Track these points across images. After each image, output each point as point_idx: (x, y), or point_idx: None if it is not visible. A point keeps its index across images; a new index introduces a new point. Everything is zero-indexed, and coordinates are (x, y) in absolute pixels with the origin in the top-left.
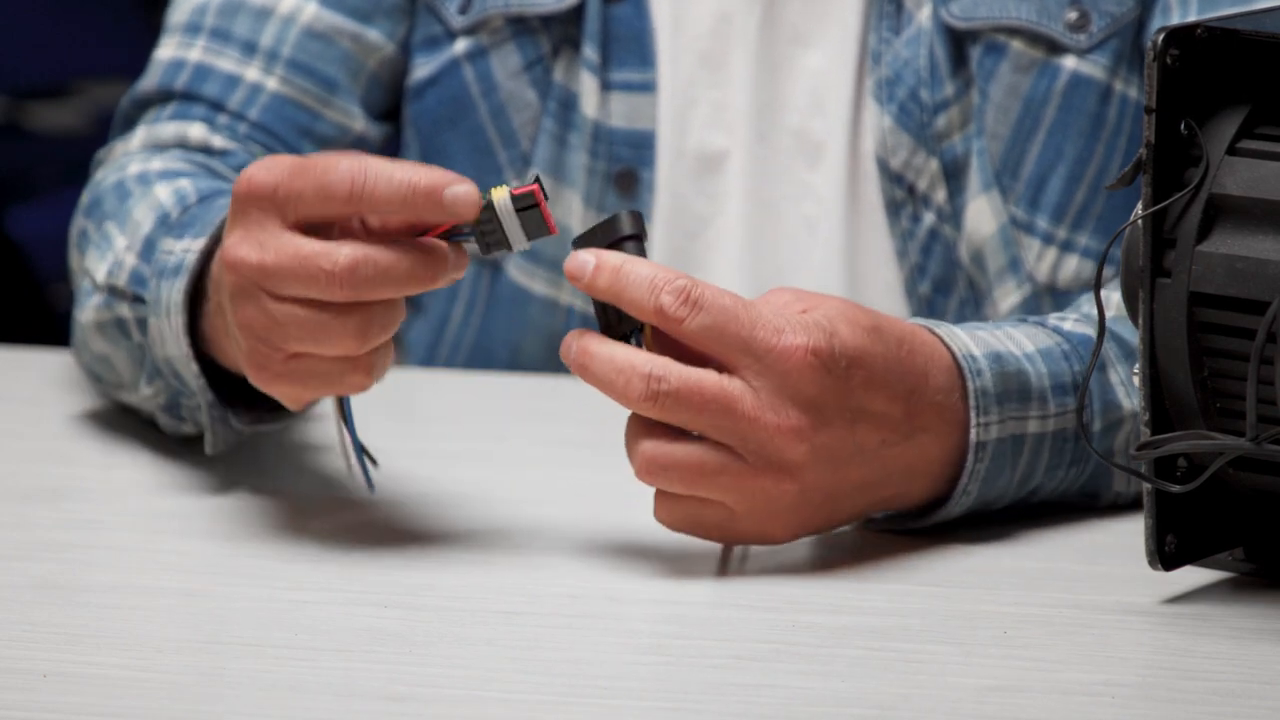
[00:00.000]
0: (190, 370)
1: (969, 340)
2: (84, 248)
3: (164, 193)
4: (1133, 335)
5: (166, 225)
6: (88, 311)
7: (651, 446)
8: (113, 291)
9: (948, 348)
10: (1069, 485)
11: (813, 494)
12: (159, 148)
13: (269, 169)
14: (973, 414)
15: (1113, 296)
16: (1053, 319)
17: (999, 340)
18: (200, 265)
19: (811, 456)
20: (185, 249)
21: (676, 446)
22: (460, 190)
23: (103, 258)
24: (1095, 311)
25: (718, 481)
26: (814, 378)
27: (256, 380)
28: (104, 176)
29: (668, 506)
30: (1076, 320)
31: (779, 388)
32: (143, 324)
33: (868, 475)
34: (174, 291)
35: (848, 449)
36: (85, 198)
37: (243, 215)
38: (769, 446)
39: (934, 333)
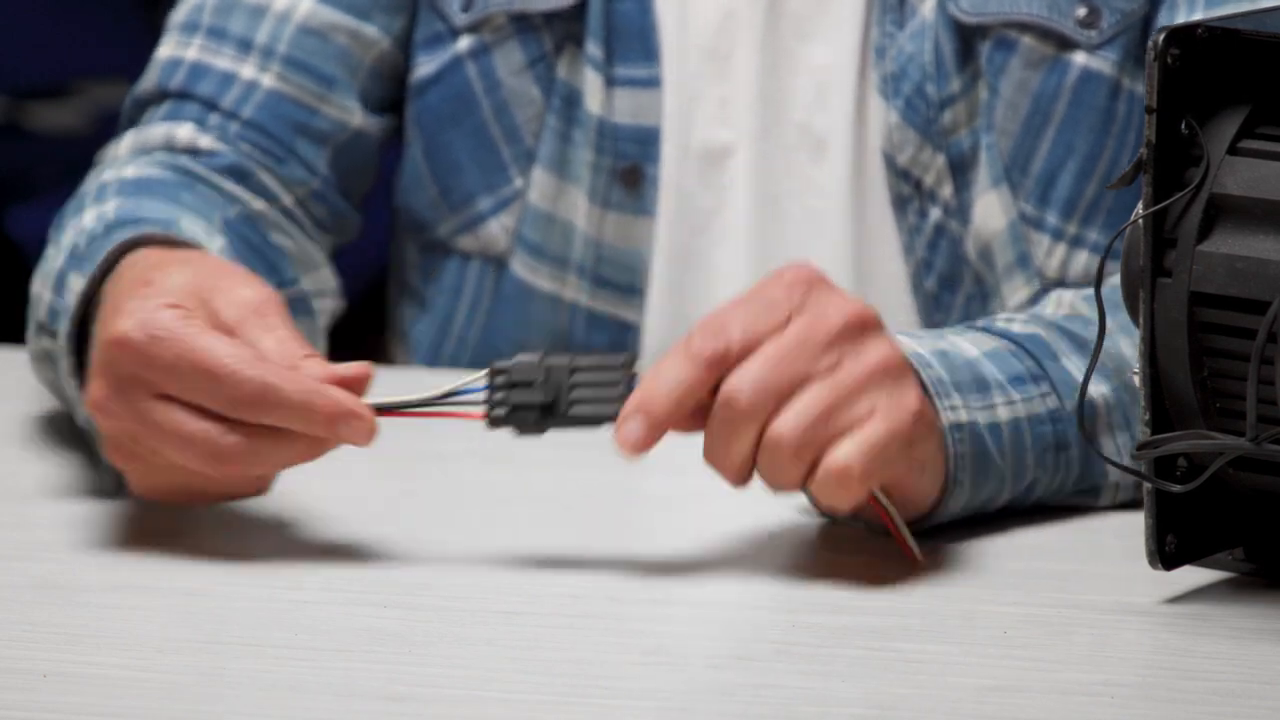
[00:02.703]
0: (80, 415)
1: (911, 341)
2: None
3: (90, 217)
4: (1084, 330)
5: (75, 257)
6: (29, 340)
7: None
8: (39, 326)
9: None
10: (1064, 479)
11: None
12: (144, 151)
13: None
14: (935, 400)
15: (1064, 295)
16: (1000, 321)
17: (943, 343)
18: (80, 309)
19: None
20: (70, 290)
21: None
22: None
23: (40, 287)
24: (1053, 310)
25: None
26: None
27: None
28: (85, 181)
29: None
30: (1025, 322)
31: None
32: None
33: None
34: (61, 337)
35: None
36: (72, 199)
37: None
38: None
39: None
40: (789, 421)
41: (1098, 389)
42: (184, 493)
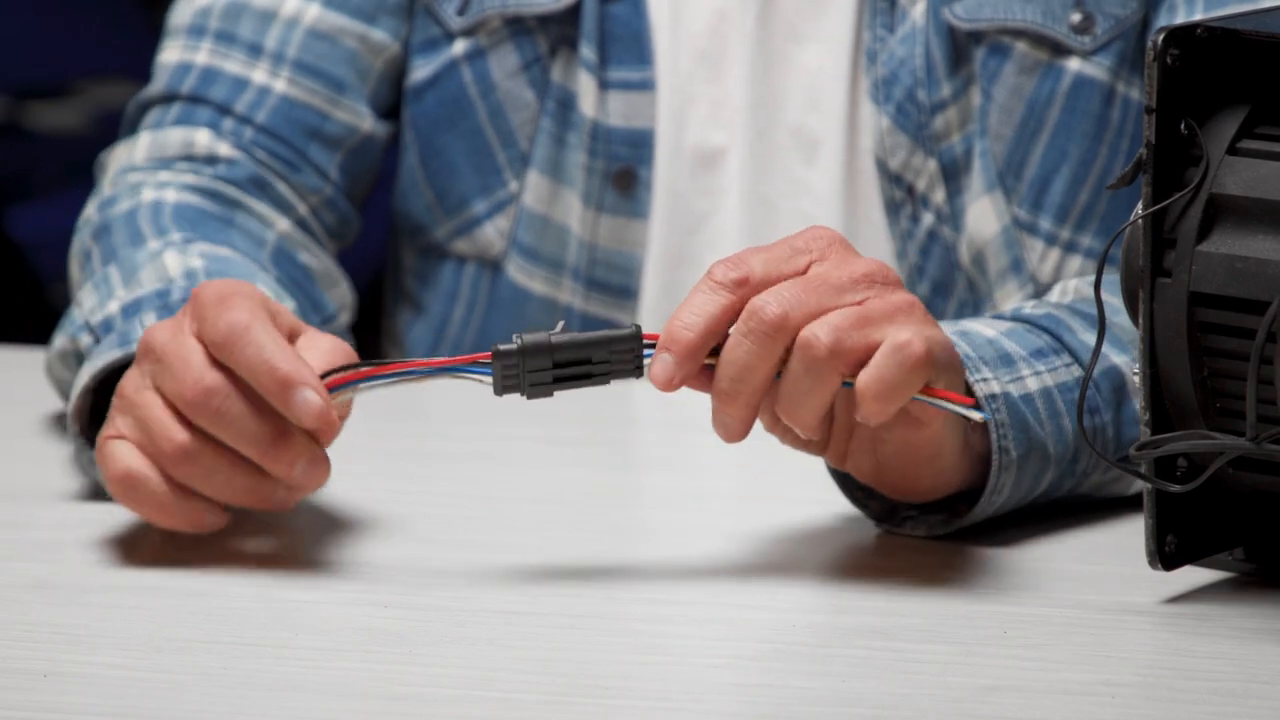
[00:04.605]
0: (79, 442)
1: None
2: (85, 274)
3: (174, 266)
4: (1093, 310)
5: (164, 303)
6: (61, 339)
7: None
8: (88, 326)
9: None
10: (1104, 448)
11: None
12: (165, 161)
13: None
14: (967, 374)
15: (1069, 284)
16: (1009, 309)
17: (960, 327)
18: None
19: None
20: (143, 323)
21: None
22: (309, 397)
23: (98, 299)
24: (1059, 298)
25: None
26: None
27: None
28: (115, 196)
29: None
30: (1035, 305)
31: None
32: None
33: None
34: (99, 356)
35: None
36: (95, 215)
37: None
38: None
39: None
40: (823, 325)
41: (1120, 358)
42: (206, 477)
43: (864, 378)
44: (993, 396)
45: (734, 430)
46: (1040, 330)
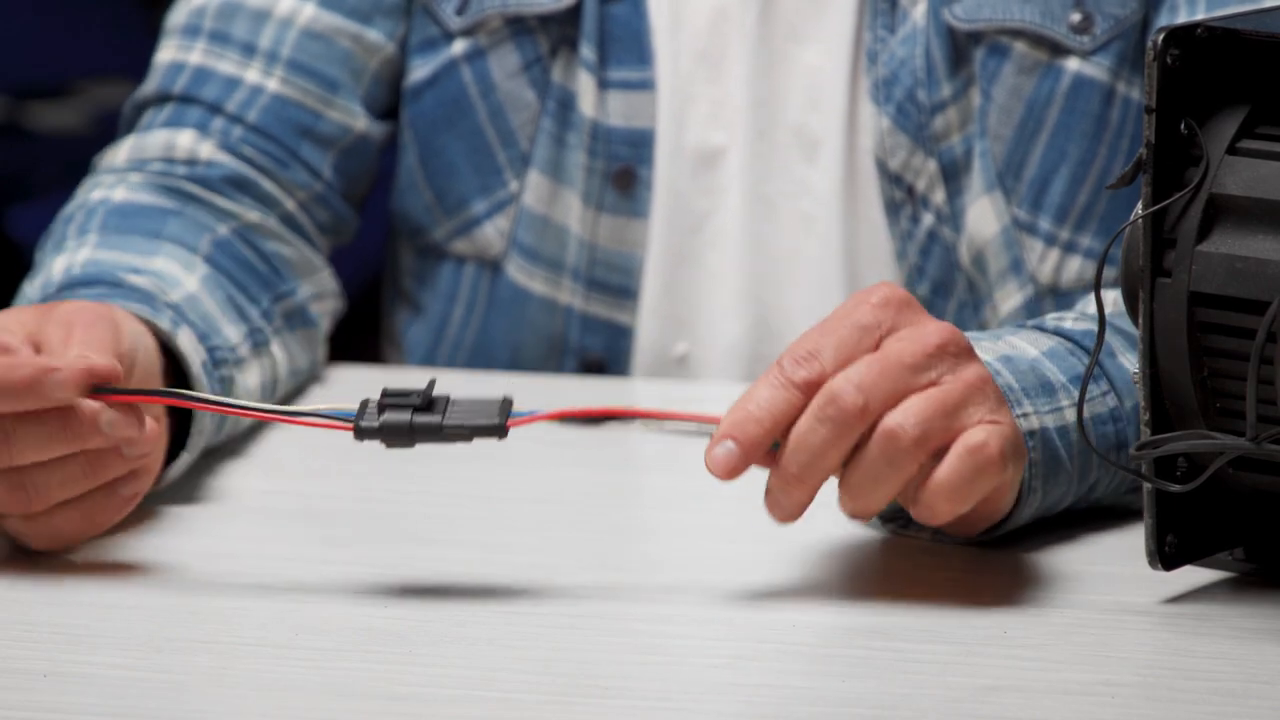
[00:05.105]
0: None
1: (974, 348)
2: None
3: (60, 265)
4: (1132, 327)
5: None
6: None
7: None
8: None
9: None
10: (1123, 478)
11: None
12: (141, 163)
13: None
14: (1011, 408)
15: (1110, 294)
16: (1050, 320)
17: (1003, 347)
18: None
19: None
20: None
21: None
22: (58, 376)
23: None
24: (1092, 309)
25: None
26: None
27: None
28: (77, 194)
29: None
30: (1076, 319)
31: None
32: None
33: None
34: None
35: None
36: (60, 213)
37: None
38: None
39: None
40: (907, 414)
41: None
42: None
43: (939, 478)
44: (1031, 433)
45: (793, 513)
46: (1082, 351)
